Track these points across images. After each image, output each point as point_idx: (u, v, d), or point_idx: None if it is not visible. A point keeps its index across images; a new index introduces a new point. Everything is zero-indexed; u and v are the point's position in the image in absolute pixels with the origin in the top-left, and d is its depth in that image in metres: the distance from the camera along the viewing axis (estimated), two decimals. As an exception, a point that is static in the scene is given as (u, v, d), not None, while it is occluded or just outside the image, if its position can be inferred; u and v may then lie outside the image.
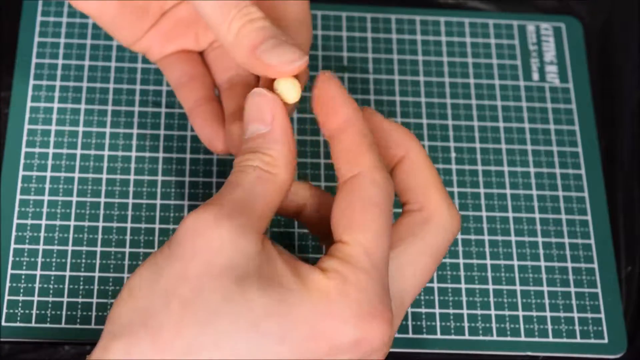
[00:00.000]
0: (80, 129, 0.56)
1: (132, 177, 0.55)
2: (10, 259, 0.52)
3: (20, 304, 0.51)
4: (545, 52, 0.61)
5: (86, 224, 0.53)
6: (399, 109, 0.59)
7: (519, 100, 0.60)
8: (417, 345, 0.52)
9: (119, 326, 0.39)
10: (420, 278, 0.43)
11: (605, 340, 0.53)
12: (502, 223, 0.56)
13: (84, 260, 0.52)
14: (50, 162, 0.55)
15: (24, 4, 0.59)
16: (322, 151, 0.56)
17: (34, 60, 0.58)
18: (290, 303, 0.39)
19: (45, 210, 0.53)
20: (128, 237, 0.53)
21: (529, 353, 0.53)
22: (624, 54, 0.63)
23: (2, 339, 0.50)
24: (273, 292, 0.39)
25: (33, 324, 0.51)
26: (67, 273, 0.52)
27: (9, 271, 0.52)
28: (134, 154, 0.56)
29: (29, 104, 0.56)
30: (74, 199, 0.54)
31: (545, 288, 0.54)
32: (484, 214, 0.56)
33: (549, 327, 0.53)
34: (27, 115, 0.56)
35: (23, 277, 0.52)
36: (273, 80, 0.44)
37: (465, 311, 0.53)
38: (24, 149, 0.55)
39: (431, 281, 0.54)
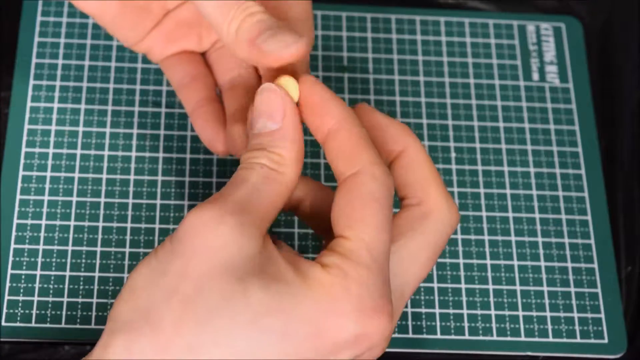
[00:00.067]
0: (80, 129, 0.56)
1: (132, 177, 0.55)
2: (10, 259, 0.52)
3: (20, 304, 0.51)
4: (545, 52, 0.62)
5: (86, 224, 0.53)
6: (399, 109, 0.59)
7: (519, 100, 0.60)
8: (417, 345, 0.52)
9: (119, 323, 0.39)
10: (419, 272, 0.43)
11: (605, 340, 0.53)
12: (502, 223, 0.56)
13: (84, 260, 0.52)
14: (50, 162, 0.55)
15: (24, 4, 0.59)
16: (322, 151, 0.56)
17: (34, 60, 0.58)
18: (291, 299, 0.39)
19: (45, 210, 0.53)
20: (128, 237, 0.53)
21: (529, 353, 0.53)
22: (624, 54, 0.63)
23: (2, 339, 0.50)
24: (274, 289, 0.39)
25: (33, 324, 0.51)
26: (67, 273, 0.52)
27: (9, 271, 0.52)
28: (134, 154, 0.56)
29: (29, 104, 0.56)
30: (74, 199, 0.54)
31: (545, 288, 0.54)
32: (484, 214, 0.56)
33: (549, 327, 0.53)
34: (27, 115, 0.56)
35: (23, 277, 0.52)
36: (274, 79, 0.44)
37: (465, 311, 0.53)
38: (24, 149, 0.55)
39: (431, 281, 0.54)
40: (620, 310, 0.54)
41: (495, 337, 0.53)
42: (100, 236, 0.53)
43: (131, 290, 0.40)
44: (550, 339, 0.53)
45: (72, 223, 0.53)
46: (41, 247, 0.52)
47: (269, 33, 0.43)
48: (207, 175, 0.55)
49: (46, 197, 0.54)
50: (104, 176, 0.55)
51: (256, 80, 0.50)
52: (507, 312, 0.53)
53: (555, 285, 0.54)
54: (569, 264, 0.55)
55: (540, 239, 0.56)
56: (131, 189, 0.54)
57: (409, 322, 0.53)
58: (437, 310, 0.53)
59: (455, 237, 0.55)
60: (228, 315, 0.38)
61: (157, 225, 0.54)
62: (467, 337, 0.53)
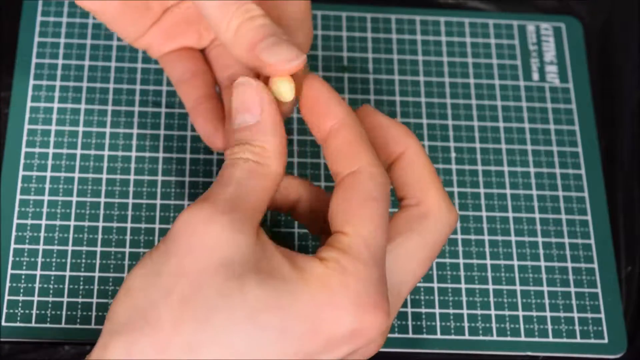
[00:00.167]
0: (80, 129, 0.56)
1: (132, 177, 0.55)
2: (10, 259, 0.52)
3: (20, 304, 0.51)
4: (545, 52, 0.62)
5: (86, 224, 0.53)
6: (399, 109, 0.59)
7: (519, 100, 0.60)
8: (417, 345, 0.52)
9: (117, 324, 0.39)
10: (417, 271, 0.43)
11: (605, 340, 0.53)
12: (502, 223, 0.56)
13: (84, 260, 0.52)
14: (50, 162, 0.55)
15: (24, 4, 0.59)
16: (322, 151, 0.56)
17: (34, 60, 0.58)
18: (288, 295, 0.39)
19: (45, 210, 0.53)
20: (128, 237, 0.53)
21: (529, 353, 0.53)
22: (624, 54, 0.63)
23: (2, 339, 0.50)
24: (271, 285, 0.39)
25: (33, 324, 0.51)
26: (67, 273, 0.52)
27: (9, 271, 0.52)
28: (134, 154, 0.56)
29: (29, 104, 0.56)
30: (74, 199, 0.54)
31: (545, 288, 0.54)
32: (484, 214, 0.56)
33: (549, 327, 0.53)
34: (27, 115, 0.56)
35: (23, 277, 0.52)
36: (268, 78, 0.44)
37: (465, 311, 0.53)
38: (24, 149, 0.55)
39: (431, 281, 0.54)
40: (620, 310, 0.54)
41: (495, 337, 0.53)
42: (100, 236, 0.53)
43: (128, 291, 0.40)
44: (550, 339, 0.53)
45: (72, 223, 0.53)
46: (41, 247, 0.52)
47: (271, 41, 0.43)
48: (207, 175, 0.55)
49: (46, 197, 0.54)
50: (104, 176, 0.55)
51: (254, 77, 0.50)
52: (507, 312, 0.53)
53: (555, 285, 0.54)
54: (569, 264, 0.55)
55: (540, 239, 0.56)
56: (131, 189, 0.54)
57: (409, 322, 0.53)
58: (437, 310, 0.53)
59: (455, 237, 0.55)
60: (226, 312, 0.38)
61: (157, 225, 0.54)
62: (467, 337, 0.53)
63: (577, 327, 0.53)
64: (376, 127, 0.45)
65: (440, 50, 0.61)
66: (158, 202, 0.54)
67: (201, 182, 0.55)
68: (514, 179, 0.57)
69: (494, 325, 0.53)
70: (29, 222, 0.53)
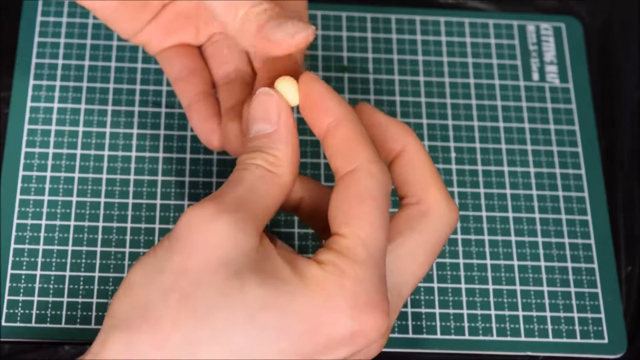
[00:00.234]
0: (80, 129, 0.56)
1: (132, 177, 0.55)
2: (10, 259, 0.52)
3: (20, 304, 0.51)
4: (545, 52, 0.62)
5: (86, 224, 0.53)
6: (399, 109, 0.59)
7: (519, 100, 0.60)
8: (417, 345, 0.52)
9: (117, 320, 0.39)
10: (418, 270, 0.43)
11: (605, 340, 0.53)
12: (502, 223, 0.56)
13: (84, 260, 0.52)
14: (50, 162, 0.55)
15: (24, 4, 0.59)
16: (322, 151, 0.56)
17: (34, 60, 0.58)
18: (287, 296, 0.39)
19: (45, 210, 0.53)
20: (128, 237, 0.53)
21: (529, 353, 0.53)
22: (624, 54, 0.63)
23: (2, 339, 0.50)
24: (270, 286, 0.39)
25: (33, 324, 0.51)
26: (67, 273, 0.52)
27: (9, 271, 0.52)
28: (134, 154, 0.56)
29: (29, 104, 0.56)
30: (74, 199, 0.54)
31: (545, 288, 0.54)
32: (484, 214, 0.56)
33: (549, 327, 0.53)
34: (27, 115, 0.56)
35: (23, 277, 0.52)
36: (272, 78, 0.44)
37: (465, 311, 0.53)
38: (24, 149, 0.55)
39: (431, 281, 0.54)
40: (620, 310, 0.54)
41: (495, 337, 0.53)
42: (100, 236, 0.53)
43: (129, 287, 0.40)
44: (550, 339, 0.53)
45: (72, 223, 0.53)
46: (41, 247, 0.52)
47: (276, 22, 0.44)
48: (207, 175, 0.55)
49: (46, 197, 0.54)
50: (104, 176, 0.55)
51: (252, 75, 0.50)
52: (507, 312, 0.53)
53: (555, 285, 0.54)
54: (569, 264, 0.55)
55: (540, 239, 0.56)
56: (131, 189, 0.54)
57: (409, 322, 0.53)
58: (437, 310, 0.53)
59: (455, 237, 0.55)
60: (225, 311, 0.38)
61: (157, 225, 0.54)
62: (467, 337, 0.53)
63: (577, 327, 0.53)
64: (374, 125, 0.44)
65: (440, 50, 0.61)
66: (158, 202, 0.54)
67: (201, 182, 0.55)
68: (514, 179, 0.57)
69: (494, 325, 0.53)
70: (29, 222, 0.53)
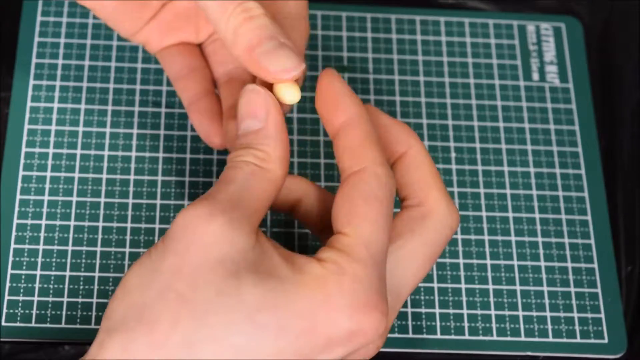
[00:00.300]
0: (80, 129, 0.56)
1: (132, 177, 0.55)
2: (10, 259, 0.52)
3: (20, 304, 0.51)
4: (545, 52, 0.62)
5: (86, 224, 0.53)
6: (399, 109, 0.59)
7: (519, 100, 0.60)
8: (417, 345, 0.52)
9: (114, 322, 0.39)
10: (417, 273, 0.43)
11: (605, 340, 0.53)
12: (502, 223, 0.56)
13: (84, 260, 0.52)
14: (50, 162, 0.55)
15: (24, 4, 0.59)
16: (322, 151, 0.56)
17: (34, 60, 0.58)
18: (285, 295, 0.39)
19: (45, 210, 0.53)
20: (128, 237, 0.53)
21: (529, 353, 0.53)
22: (624, 54, 0.63)
23: (2, 339, 0.50)
24: (268, 284, 0.39)
25: (33, 324, 0.51)
26: (67, 273, 0.52)
27: (9, 271, 0.52)
28: (134, 154, 0.56)
29: (29, 104, 0.56)
30: (74, 199, 0.54)
31: (545, 288, 0.54)
32: (484, 214, 0.56)
33: (549, 327, 0.53)
34: (27, 115, 0.56)
35: (23, 277, 0.52)
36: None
37: (465, 311, 0.53)
38: (24, 149, 0.55)
39: (431, 281, 0.54)
40: (620, 310, 0.54)
41: (495, 337, 0.53)
42: (100, 236, 0.53)
43: (126, 289, 0.40)
44: (550, 339, 0.53)
45: (72, 223, 0.53)
46: (41, 247, 0.52)
47: (269, 46, 0.43)
48: (207, 175, 0.55)
49: (46, 197, 0.54)
50: (104, 176, 0.55)
51: (252, 74, 0.50)
52: (507, 312, 0.53)
53: (555, 285, 0.54)
54: (569, 264, 0.55)
55: (540, 239, 0.56)
56: (131, 189, 0.54)
57: (409, 322, 0.53)
58: (437, 310, 0.53)
59: (455, 237, 0.55)
60: (223, 311, 0.38)
61: (157, 225, 0.54)
62: (467, 337, 0.53)
63: (577, 327, 0.53)
64: (379, 127, 0.45)
65: (440, 50, 0.61)
66: (158, 202, 0.54)
67: (201, 182, 0.55)
68: (514, 179, 0.57)
69: (494, 325, 0.53)
70: (29, 222, 0.53)
